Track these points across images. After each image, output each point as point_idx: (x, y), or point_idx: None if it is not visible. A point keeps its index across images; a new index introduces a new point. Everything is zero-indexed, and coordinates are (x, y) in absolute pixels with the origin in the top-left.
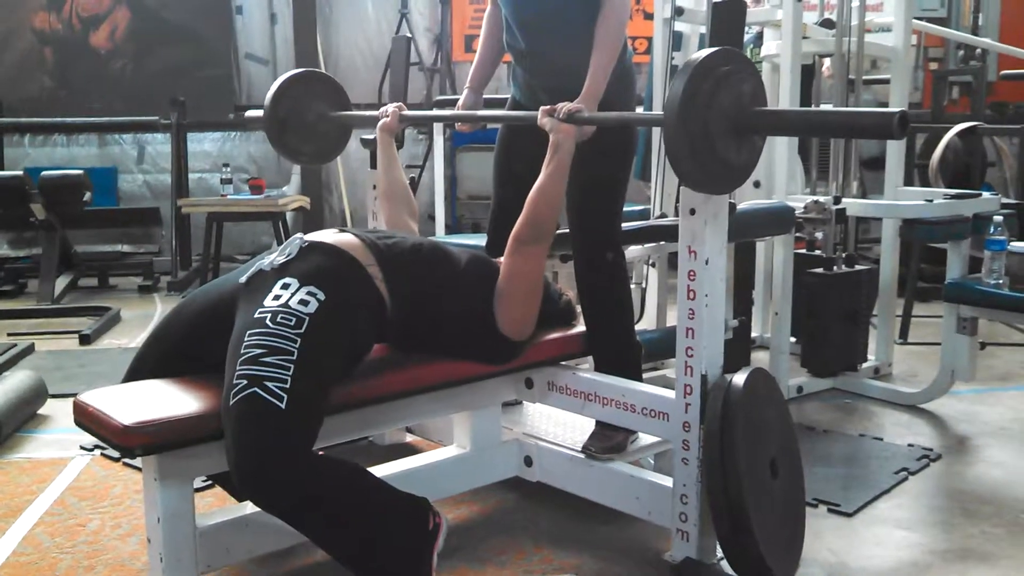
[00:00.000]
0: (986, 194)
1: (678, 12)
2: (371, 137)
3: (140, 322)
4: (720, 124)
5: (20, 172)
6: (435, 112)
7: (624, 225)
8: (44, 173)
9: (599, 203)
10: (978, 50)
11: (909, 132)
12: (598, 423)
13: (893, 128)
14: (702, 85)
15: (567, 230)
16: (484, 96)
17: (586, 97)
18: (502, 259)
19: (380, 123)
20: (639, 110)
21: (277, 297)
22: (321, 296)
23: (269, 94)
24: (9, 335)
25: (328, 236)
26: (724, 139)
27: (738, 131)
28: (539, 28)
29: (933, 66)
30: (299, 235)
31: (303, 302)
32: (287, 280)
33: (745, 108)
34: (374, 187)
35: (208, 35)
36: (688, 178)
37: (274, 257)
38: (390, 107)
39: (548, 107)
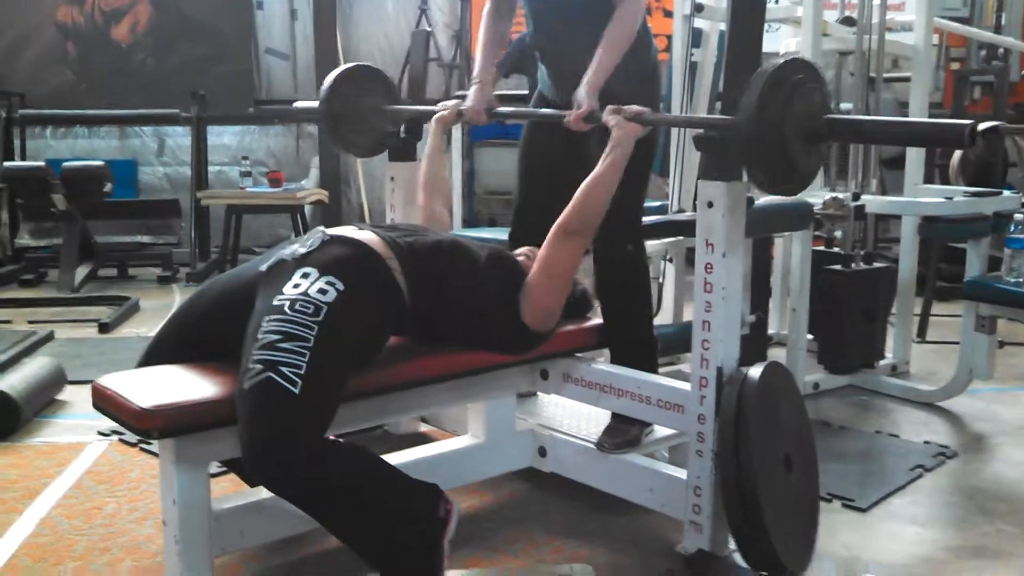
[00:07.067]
0: (1007, 193)
1: (698, 8)
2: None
3: (159, 312)
4: (794, 130)
5: (42, 163)
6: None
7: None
8: (65, 164)
9: (621, 194)
10: (1001, 50)
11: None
12: (613, 417)
13: (964, 138)
14: (776, 92)
15: None
16: (506, 92)
17: (588, 90)
18: (519, 251)
19: (436, 115)
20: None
21: (296, 285)
22: (340, 286)
23: (324, 87)
24: (30, 323)
25: (350, 231)
26: (797, 146)
27: (809, 138)
28: (561, 34)
29: (955, 66)
30: (321, 228)
31: (322, 291)
32: (307, 269)
33: (816, 116)
34: (391, 179)
35: (228, 30)
36: (758, 181)
37: (295, 247)
38: (450, 103)
39: (615, 106)
